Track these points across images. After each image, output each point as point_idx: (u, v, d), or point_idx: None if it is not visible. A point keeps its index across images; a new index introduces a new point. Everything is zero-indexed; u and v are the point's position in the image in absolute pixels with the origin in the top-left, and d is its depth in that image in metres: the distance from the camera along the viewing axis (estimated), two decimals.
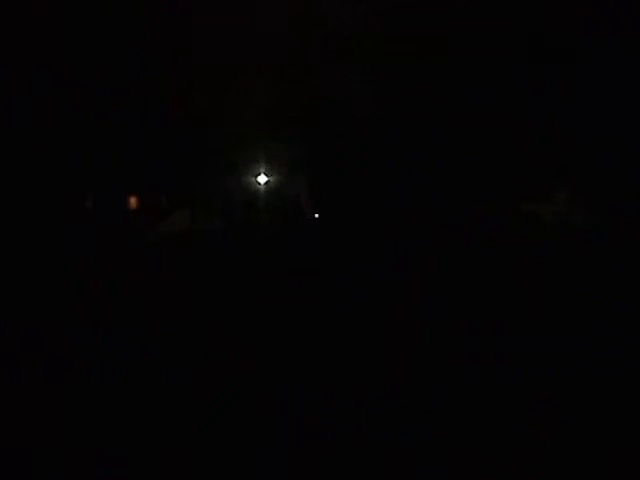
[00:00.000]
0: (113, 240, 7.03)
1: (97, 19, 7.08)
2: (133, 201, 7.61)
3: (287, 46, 7.30)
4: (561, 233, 6.83)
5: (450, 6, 7.12)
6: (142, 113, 7.38)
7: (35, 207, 7.01)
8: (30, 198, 7.04)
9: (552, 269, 6.01)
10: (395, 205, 7.26)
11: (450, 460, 3.13)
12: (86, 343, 4.71)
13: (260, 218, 7.57)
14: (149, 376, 4.16)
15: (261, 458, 3.16)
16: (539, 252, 6.36)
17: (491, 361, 4.36)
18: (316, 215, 7.67)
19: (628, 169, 6.67)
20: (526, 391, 3.85)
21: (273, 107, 7.42)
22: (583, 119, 6.83)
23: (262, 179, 7.62)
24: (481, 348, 4.58)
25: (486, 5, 7.01)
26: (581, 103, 6.83)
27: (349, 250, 6.69)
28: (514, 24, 6.98)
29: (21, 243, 6.52)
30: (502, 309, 5.30)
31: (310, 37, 7.25)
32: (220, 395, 3.86)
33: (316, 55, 7.30)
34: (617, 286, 5.52)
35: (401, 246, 6.69)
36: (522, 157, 7.05)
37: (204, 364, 4.40)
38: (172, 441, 3.32)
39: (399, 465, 3.09)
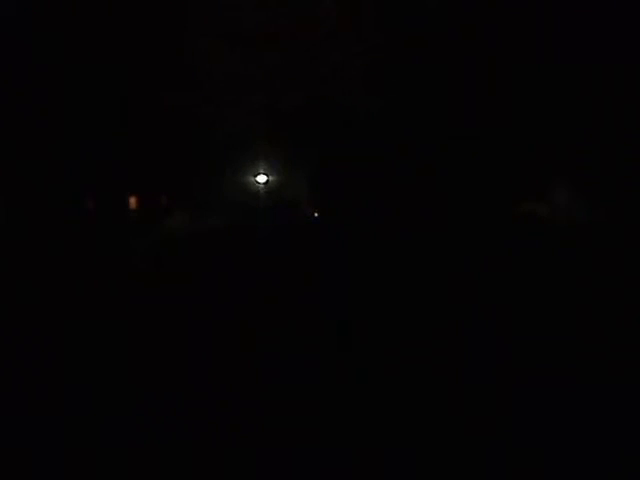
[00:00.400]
0: (113, 239, 7.03)
1: (97, 19, 7.10)
2: (133, 201, 7.61)
3: (287, 46, 7.32)
4: (561, 233, 6.83)
5: (451, 6, 7.13)
6: (142, 113, 7.39)
7: (35, 207, 7.03)
8: (30, 198, 7.05)
9: (552, 268, 6.01)
10: (395, 205, 7.26)
11: (450, 460, 3.13)
12: (86, 341, 4.72)
13: (259, 217, 7.56)
14: (149, 374, 4.17)
15: (261, 458, 3.16)
16: (539, 252, 6.36)
17: (491, 359, 4.36)
18: (316, 215, 7.68)
19: (628, 168, 6.67)
20: (526, 389, 3.85)
21: (273, 107, 7.43)
22: (583, 118, 6.83)
23: (262, 178, 7.61)
24: (481, 346, 4.58)
25: (486, 5, 7.02)
26: (581, 102, 6.83)
27: (349, 250, 6.68)
28: (514, 24, 6.98)
29: (21, 242, 6.53)
30: (502, 308, 5.30)
31: (310, 37, 7.26)
32: (220, 394, 3.87)
33: (316, 55, 7.31)
34: (616, 285, 5.52)
35: (401, 245, 6.69)
36: (522, 157, 7.05)
37: (204, 362, 4.40)
38: (172, 440, 3.32)
39: (399, 465, 3.09)
